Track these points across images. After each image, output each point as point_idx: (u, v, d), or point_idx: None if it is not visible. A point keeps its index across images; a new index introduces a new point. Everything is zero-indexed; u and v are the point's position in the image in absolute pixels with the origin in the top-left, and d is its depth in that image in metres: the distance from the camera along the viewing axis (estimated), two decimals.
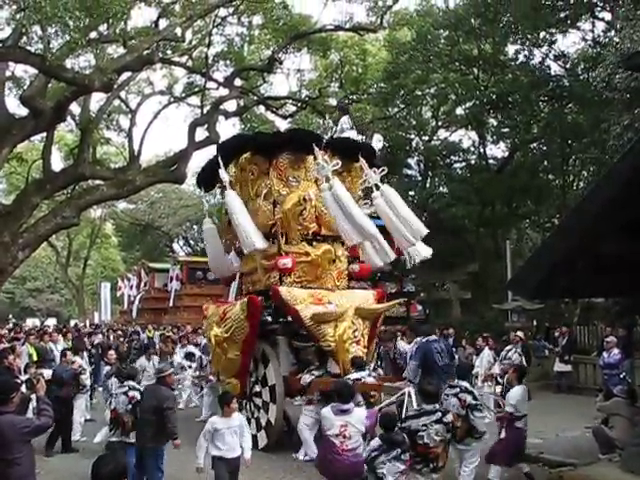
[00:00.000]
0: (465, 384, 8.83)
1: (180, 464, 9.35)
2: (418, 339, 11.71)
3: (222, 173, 12.33)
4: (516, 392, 9.32)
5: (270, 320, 12.09)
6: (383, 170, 12.41)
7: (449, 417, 7.79)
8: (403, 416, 8.35)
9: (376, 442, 7.34)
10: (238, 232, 11.97)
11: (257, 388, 12.00)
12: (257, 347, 12.02)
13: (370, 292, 13.10)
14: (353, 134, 13.36)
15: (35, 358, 15.03)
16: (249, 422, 11.96)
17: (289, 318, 11.91)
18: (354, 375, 10.25)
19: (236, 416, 8.06)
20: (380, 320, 12.71)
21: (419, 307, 24.62)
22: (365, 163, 12.29)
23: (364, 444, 7.74)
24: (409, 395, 9.56)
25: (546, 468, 9.84)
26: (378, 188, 12.07)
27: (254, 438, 11.74)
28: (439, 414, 7.62)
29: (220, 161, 12.50)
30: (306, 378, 11.10)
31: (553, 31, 25.16)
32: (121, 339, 22.89)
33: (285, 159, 12.30)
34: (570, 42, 54.03)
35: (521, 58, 26.52)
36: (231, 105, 31.20)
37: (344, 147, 12.78)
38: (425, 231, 11.82)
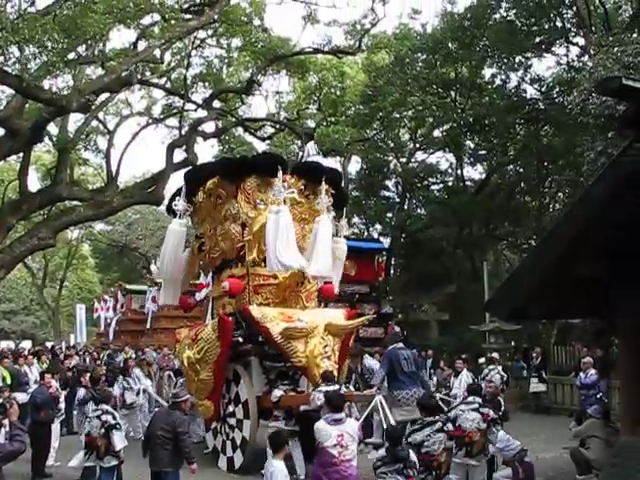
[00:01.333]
0: (480, 400, 9.01)
1: None
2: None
3: (180, 202, 12.79)
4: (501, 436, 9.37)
5: (242, 341, 12.09)
6: (331, 202, 12.59)
7: (450, 426, 8.11)
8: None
9: (382, 452, 7.56)
10: (160, 256, 13.03)
11: (230, 408, 11.99)
12: (229, 368, 12.05)
13: (340, 311, 13.13)
14: (319, 159, 13.55)
15: (9, 381, 14.80)
16: (224, 444, 11.94)
17: (260, 339, 11.92)
18: (324, 387, 10.21)
19: None
20: (351, 338, 12.75)
21: (397, 329, 24.57)
22: (325, 188, 12.39)
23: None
24: (380, 402, 9.70)
25: None
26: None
27: (230, 460, 11.70)
28: (440, 424, 7.89)
29: (183, 189, 12.89)
30: (276, 393, 11.13)
31: (529, 55, 25.61)
32: (97, 362, 22.62)
33: (252, 182, 12.36)
34: (545, 66, 54.85)
35: (497, 82, 26.97)
36: (209, 126, 31.26)
37: (309, 171, 12.90)
38: (327, 275, 12.34)
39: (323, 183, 12.30)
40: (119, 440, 9.13)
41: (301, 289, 12.57)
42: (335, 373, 11.11)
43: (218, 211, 12.80)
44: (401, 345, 12.12)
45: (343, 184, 16.42)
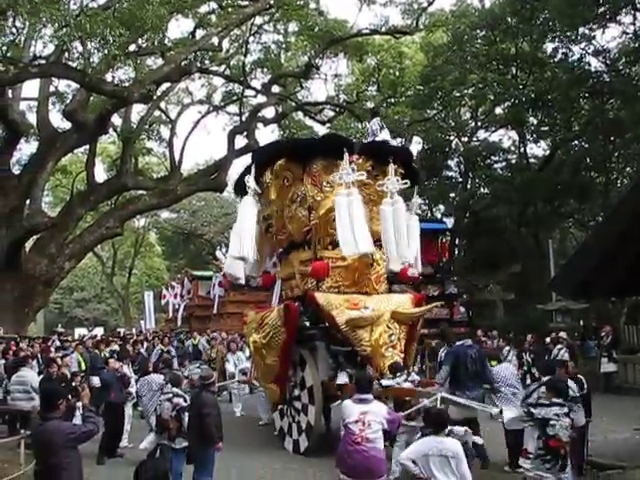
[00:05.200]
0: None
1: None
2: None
3: (250, 180, 12.44)
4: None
5: (308, 325, 12.10)
6: (406, 183, 12.04)
7: (572, 415, 7.58)
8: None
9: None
10: (234, 236, 12.31)
11: (296, 392, 12.10)
12: (295, 352, 12.10)
13: (408, 296, 12.86)
14: (385, 134, 13.04)
15: (83, 367, 15.36)
16: (290, 427, 12.07)
17: (327, 323, 11.89)
18: (385, 382, 10.15)
19: None
20: (419, 323, 12.61)
21: (462, 309, 24.39)
22: (393, 169, 11.95)
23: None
24: (441, 400, 9.47)
25: (594, 471, 9.65)
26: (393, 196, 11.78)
27: (296, 443, 11.83)
28: (566, 409, 7.39)
29: (252, 168, 12.60)
30: (341, 378, 11.09)
31: (592, 26, 24.77)
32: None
33: (319, 165, 12.24)
34: (610, 37, 52.99)
35: (559, 55, 26.21)
36: (269, 112, 31.50)
37: (377, 152, 12.55)
38: (409, 258, 11.89)
39: (392, 165, 11.93)
40: (187, 422, 9.33)
41: (370, 271, 12.35)
42: (400, 361, 10.96)
43: (285, 193, 12.70)
44: (469, 343, 11.59)
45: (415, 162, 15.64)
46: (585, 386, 9.94)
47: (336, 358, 11.89)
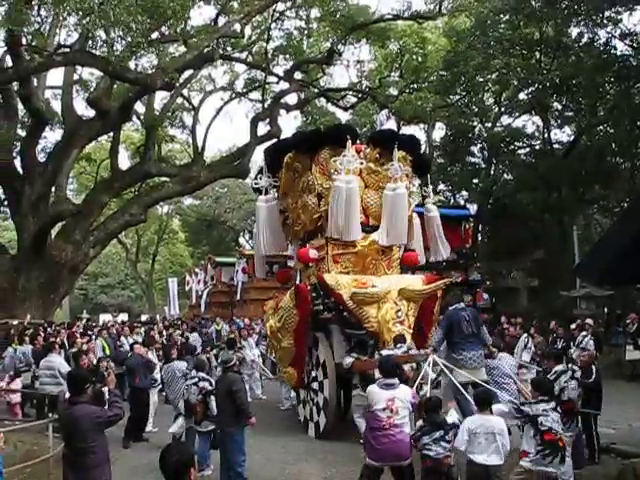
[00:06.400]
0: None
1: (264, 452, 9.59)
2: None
3: (262, 179, 13.33)
4: None
5: (322, 309, 12.31)
6: (407, 169, 12.62)
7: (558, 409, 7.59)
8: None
9: (420, 423, 7.35)
10: (257, 236, 13.61)
11: (313, 373, 12.30)
12: (310, 337, 12.34)
13: (419, 277, 13.02)
14: (392, 123, 13.57)
15: (108, 352, 15.57)
16: (311, 412, 12.21)
17: (341, 307, 12.04)
18: (385, 351, 10.34)
19: None
20: (435, 305, 12.65)
21: (485, 296, 24.26)
22: (402, 155, 12.43)
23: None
24: (434, 363, 9.69)
25: (618, 459, 9.64)
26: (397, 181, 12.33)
27: (317, 425, 11.93)
28: (553, 403, 7.44)
29: (264, 166, 13.46)
30: (347, 360, 11.20)
31: (618, 9, 24.35)
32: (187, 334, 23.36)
33: (326, 154, 12.49)
34: (637, 19, 52.04)
35: (585, 39, 25.84)
36: (292, 98, 31.52)
37: (384, 139, 12.85)
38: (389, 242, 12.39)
39: (396, 150, 12.25)
40: (216, 405, 9.46)
41: (382, 257, 12.61)
42: (408, 337, 11.09)
43: (296, 184, 13.09)
44: (462, 306, 11.66)
45: (425, 150, 16.33)
46: (594, 376, 9.87)
47: (350, 341, 12.11)
